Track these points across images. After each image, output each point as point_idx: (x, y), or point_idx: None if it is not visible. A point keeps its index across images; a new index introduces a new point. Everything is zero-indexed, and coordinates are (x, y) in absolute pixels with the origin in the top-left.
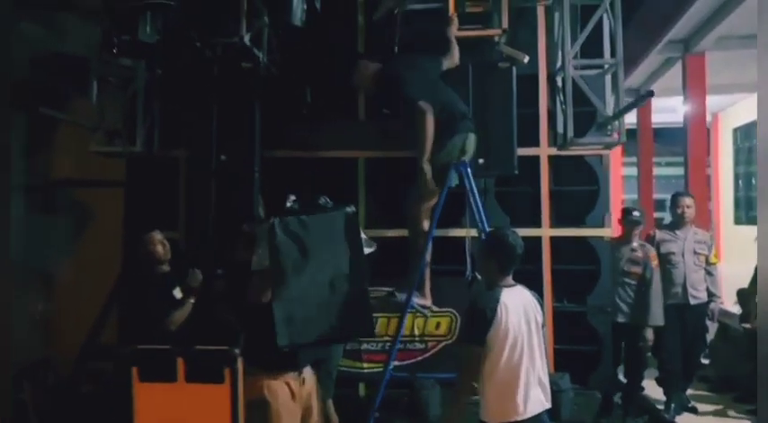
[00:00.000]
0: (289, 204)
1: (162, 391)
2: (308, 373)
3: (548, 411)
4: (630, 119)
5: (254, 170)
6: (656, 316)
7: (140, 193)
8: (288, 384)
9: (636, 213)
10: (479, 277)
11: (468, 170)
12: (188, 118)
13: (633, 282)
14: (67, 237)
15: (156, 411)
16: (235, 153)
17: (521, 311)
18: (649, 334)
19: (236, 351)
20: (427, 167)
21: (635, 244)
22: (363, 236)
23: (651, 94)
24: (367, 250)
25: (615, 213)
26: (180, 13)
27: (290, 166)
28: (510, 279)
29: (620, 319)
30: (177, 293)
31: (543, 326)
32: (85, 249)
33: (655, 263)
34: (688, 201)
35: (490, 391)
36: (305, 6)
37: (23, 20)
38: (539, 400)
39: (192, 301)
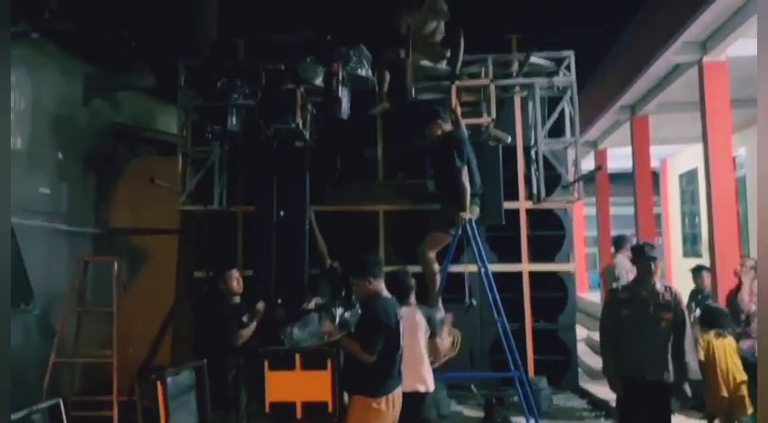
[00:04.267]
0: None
1: (285, 376)
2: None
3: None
4: (589, 166)
5: (304, 223)
6: (695, 368)
7: (197, 239)
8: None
9: (648, 248)
10: (474, 303)
11: (474, 224)
12: (253, 182)
13: (666, 331)
14: (126, 275)
15: (280, 389)
16: (290, 209)
17: (412, 321)
18: (688, 390)
19: (335, 350)
20: (465, 215)
21: (659, 286)
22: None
23: (599, 168)
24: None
25: (579, 249)
26: (253, 108)
27: (326, 218)
28: (408, 300)
29: (650, 376)
30: (245, 318)
31: (428, 333)
32: (140, 285)
33: (683, 305)
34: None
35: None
36: (350, 104)
37: (93, 97)
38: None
39: (255, 323)
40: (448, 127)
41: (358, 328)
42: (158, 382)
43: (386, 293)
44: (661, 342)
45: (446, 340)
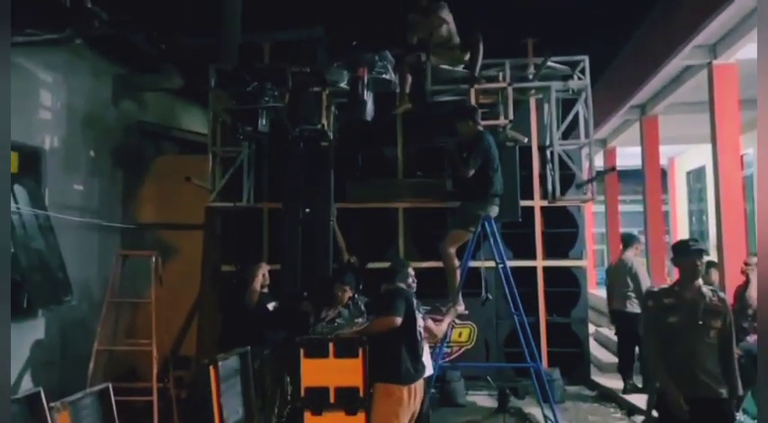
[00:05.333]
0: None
1: (319, 363)
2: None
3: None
4: (599, 163)
5: (329, 219)
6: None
7: (224, 234)
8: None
9: (693, 242)
10: (490, 298)
11: (492, 222)
12: (279, 180)
13: (714, 341)
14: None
15: (315, 375)
16: (315, 206)
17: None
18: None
19: (365, 338)
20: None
21: (704, 288)
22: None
23: (613, 169)
24: None
25: (588, 246)
26: (281, 110)
27: (347, 214)
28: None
29: (706, 393)
30: (270, 307)
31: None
32: (166, 278)
33: (731, 312)
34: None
35: None
36: (374, 106)
37: (122, 97)
38: None
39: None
40: (478, 127)
41: (379, 305)
42: (212, 366)
43: (403, 287)
44: (713, 353)
45: (444, 326)
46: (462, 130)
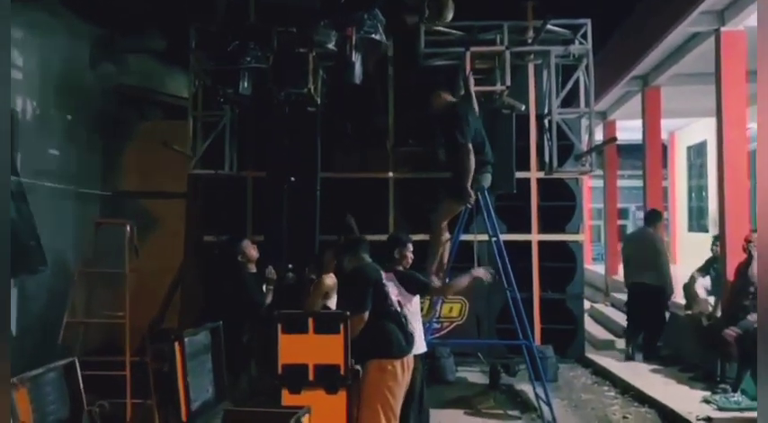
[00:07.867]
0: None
1: (298, 339)
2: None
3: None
4: (597, 137)
5: (315, 189)
6: None
7: (206, 203)
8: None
9: None
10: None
11: (486, 193)
12: (264, 147)
13: None
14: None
15: (293, 352)
16: (301, 175)
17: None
18: None
19: (348, 313)
20: (471, 199)
21: None
22: None
23: (615, 139)
24: None
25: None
26: (265, 72)
27: (336, 184)
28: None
29: None
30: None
31: None
32: (148, 248)
33: None
34: None
35: None
36: (362, 68)
37: (101, 60)
38: None
39: (272, 288)
40: (450, 98)
41: (346, 292)
42: (176, 342)
43: (368, 260)
44: None
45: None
46: (433, 103)
